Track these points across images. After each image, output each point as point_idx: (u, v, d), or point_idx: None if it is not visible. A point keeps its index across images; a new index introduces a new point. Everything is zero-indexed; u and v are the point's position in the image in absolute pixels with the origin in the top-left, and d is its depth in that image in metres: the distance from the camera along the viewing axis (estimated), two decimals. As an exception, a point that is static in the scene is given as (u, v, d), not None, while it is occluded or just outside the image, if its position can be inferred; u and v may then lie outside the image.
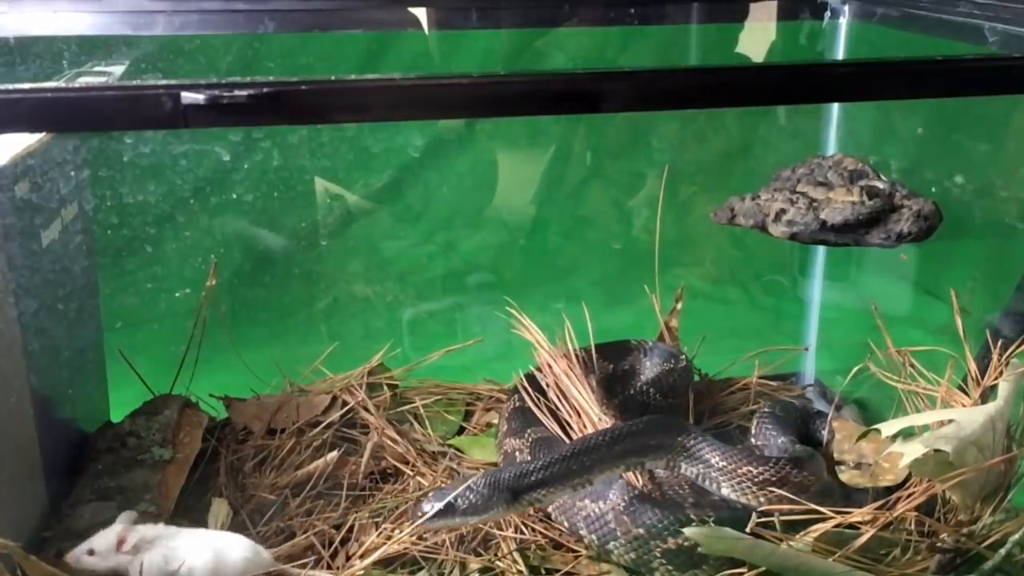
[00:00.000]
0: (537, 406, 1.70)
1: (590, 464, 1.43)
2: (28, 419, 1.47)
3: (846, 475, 1.61)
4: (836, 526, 1.31)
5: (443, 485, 1.56)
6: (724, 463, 1.45)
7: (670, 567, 1.39)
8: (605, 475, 1.44)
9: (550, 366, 1.75)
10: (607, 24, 2.06)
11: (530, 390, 1.73)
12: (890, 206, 1.64)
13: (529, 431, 1.66)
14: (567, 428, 1.66)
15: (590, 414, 1.64)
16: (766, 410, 1.74)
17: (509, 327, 1.79)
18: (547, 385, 1.74)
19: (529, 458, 1.61)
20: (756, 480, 1.43)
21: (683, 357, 1.87)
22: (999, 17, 1.58)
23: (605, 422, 1.61)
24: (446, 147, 2.52)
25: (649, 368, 1.88)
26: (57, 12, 1.77)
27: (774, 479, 1.42)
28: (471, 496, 1.41)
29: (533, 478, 1.42)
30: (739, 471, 1.44)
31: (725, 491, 1.44)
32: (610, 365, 1.85)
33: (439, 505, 1.41)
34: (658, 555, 1.39)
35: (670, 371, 1.83)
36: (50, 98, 1.01)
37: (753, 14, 2.13)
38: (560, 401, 1.70)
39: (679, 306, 1.98)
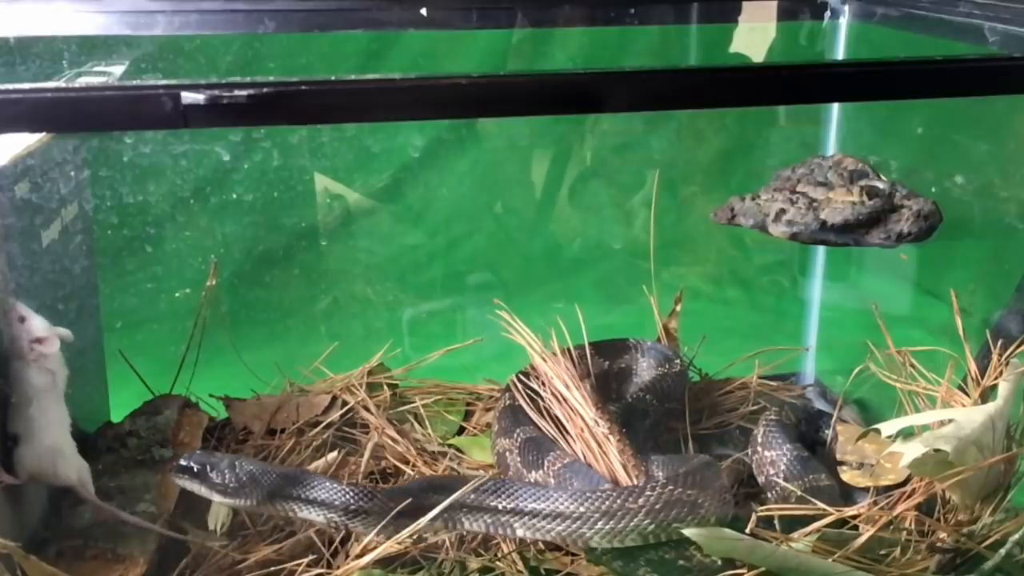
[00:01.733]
0: (529, 406, 1.70)
1: (354, 511, 1.42)
2: (28, 419, 1.46)
3: (847, 475, 1.61)
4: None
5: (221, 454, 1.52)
6: (513, 505, 1.42)
7: (655, 575, 1.39)
8: (371, 530, 1.42)
9: (543, 369, 1.74)
10: (607, 24, 2.06)
11: (522, 389, 1.73)
12: (890, 206, 1.64)
13: (518, 431, 1.65)
14: (562, 429, 1.66)
15: (584, 416, 1.63)
16: (772, 417, 1.72)
17: (506, 328, 1.78)
18: (542, 385, 1.73)
19: (519, 459, 1.61)
20: (543, 515, 1.40)
21: (678, 361, 1.86)
22: (999, 17, 1.58)
23: (601, 426, 1.60)
24: (446, 147, 2.52)
25: (645, 370, 1.87)
26: (57, 12, 1.77)
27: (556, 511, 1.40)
28: (228, 475, 1.42)
29: (293, 492, 1.43)
30: (528, 509, 1.41)
31: (520, 532, 1.42)
32: (606, 362, 1.85)
33: (194, 466, 1.42)
34: (643, 563, 1.39)
35: (664, 375, 1.82)
36: (50, 98, 1.01)
37: (753, 14, 2.13)
38: (553, 402, 1.69)
39: (678, 308, 1.98)
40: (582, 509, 1.39)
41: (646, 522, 1.37)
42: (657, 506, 1.37)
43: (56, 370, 1.43)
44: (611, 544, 1.39)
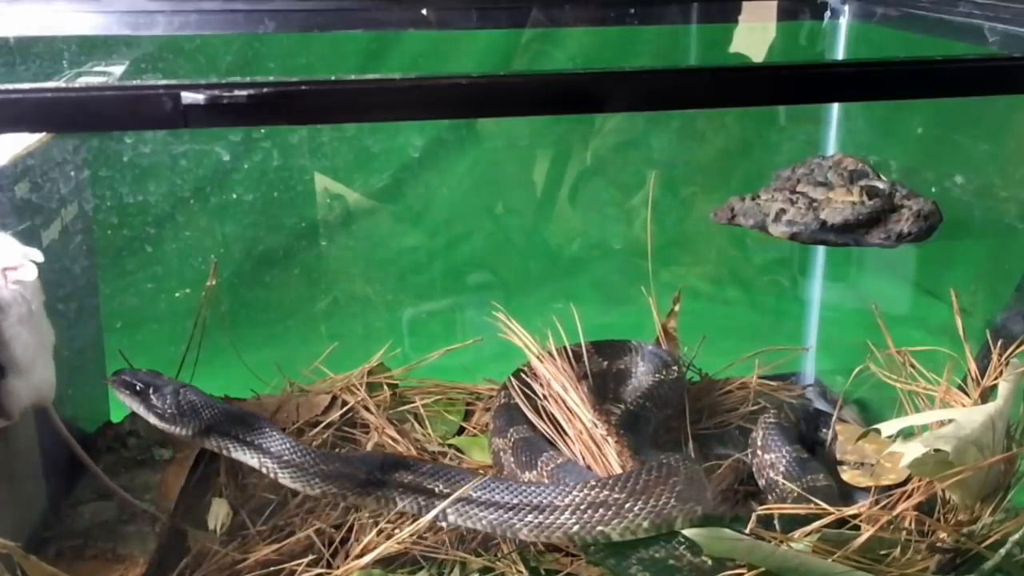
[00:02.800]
0: (525, 404, 1.69)
1: (286, 462, 1.43)
2: (28, 419, 1.46)
3: (847, 475, 1.61)
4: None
5: (166, 379, 1.50)
6: (448, 489, 1.43)
7: (647, 574, 1.39)
8: (298, 485, 1.44)
9: (541, 370, 1.73)
10: (607, 24, 2.06)
11: (517, 388, 1.73)
12: (890, 206, 1.63)
13: (512, 430, 1.66)
14: (560, 430, 1.66)
15: (581, 417, 1.63)
16: (771, 420, 1.72)
17: (503, 329, 1.78)
18: (540, 385, 1.73)
19: (512, 459, 1.61)
20: (477, 502, 1.41)
21: (675, 368, 1.85)
22: (999, 17, 1.58)
23: (599, 427, 1.60)
24: (446, 147, 2.52)
25: (644, 374, 1.86)
26: (57, 12, 1.77)
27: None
28: (169, 400, 1.41)
29: (232, 431, 1.43)
30: (463, 495, 1.42)
31: (452, 518, 1.43)
32: (605, 362, 1.85)
33: (137, 383, 1.41)
34: (634, 561, 1.39)
35: (662, 382, 1.81)
36: (50, 98, 1.01)
37: (753, 14, 2.13)
38: (551, 403, 1.69)
39: (676, 308, 1.98)
40: (515, 500, 1.39)
41: (571, 521, 1.37)
42: (582, 507, 1.36)
43: (32, 297, 1.36)
44: (538, 539, 1.39)
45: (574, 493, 1.37)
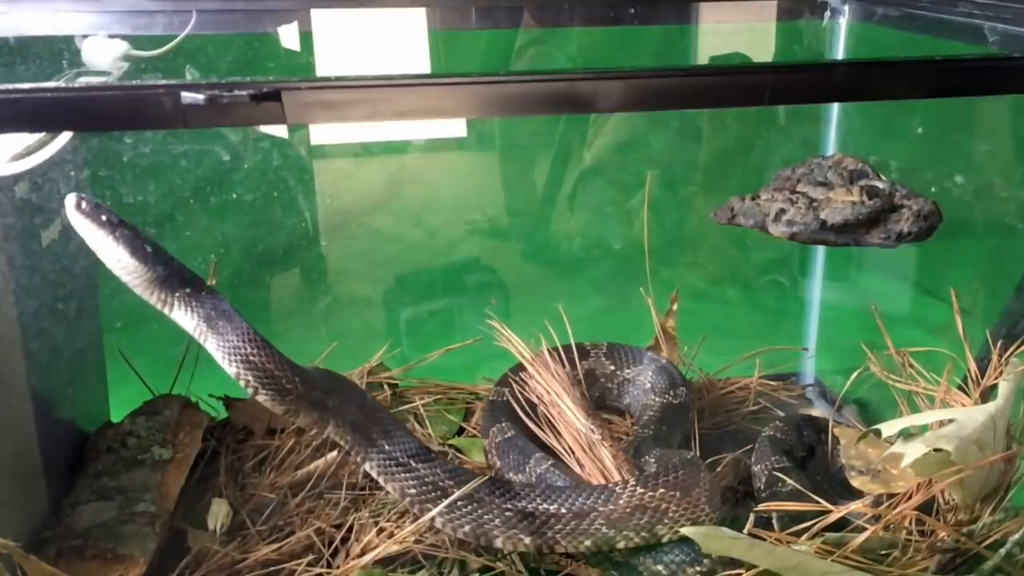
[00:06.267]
0: (514, 397, 1.73)
1: (214, 325, 1.38)
2: (28, 419, 1.47)
3: (857, 480, 1.60)
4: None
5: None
6: (377, 429, 1.45)
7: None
8: (219, 355, 1.39)
9: (536, 374, 1.74)
10: (607, 24, 2.06)
11: (512, 378, 1.78)
12: (890, 206, 1.63)
13: (496, 391, 1.75)
14: (555, 431, 1.67)
15: (578, 425, 1.63)
16: (778, 464, 1.66)
17: (498, 337, 1.79)
18: (536, 384, 1.74)
19: (481, 419, 1.69)
20: (386, 454, 1.44)
21: (683, 390, 1.84)
22: (999, 17, 1.59)
23: (594, 433, 1.60)
24: (447, 146, 2.52)
25: (653, 393, 1.87)
26: (57, 12, 1.77)
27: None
28: (142, 241, 1.36)
29: (182, 287, 1.38)
30: (377, 444, 1.45)
31: (354, 453, 1.45)
32: (611, 366, 1.87)
33: (104, 215, 1.36)
34: None
35: (667, 405, 1.80)
36: (50, 98, 1.01)
37: (753, 14, 2.13)
38: (545, 407, 1.71)
39: (675, 308, 1.98)
40: (412, 463, 1.42)
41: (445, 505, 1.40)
42: (459, 500, 1.40)
43: None
44: (411, 508, 1.43)
45: (457, 479, 1.41)
